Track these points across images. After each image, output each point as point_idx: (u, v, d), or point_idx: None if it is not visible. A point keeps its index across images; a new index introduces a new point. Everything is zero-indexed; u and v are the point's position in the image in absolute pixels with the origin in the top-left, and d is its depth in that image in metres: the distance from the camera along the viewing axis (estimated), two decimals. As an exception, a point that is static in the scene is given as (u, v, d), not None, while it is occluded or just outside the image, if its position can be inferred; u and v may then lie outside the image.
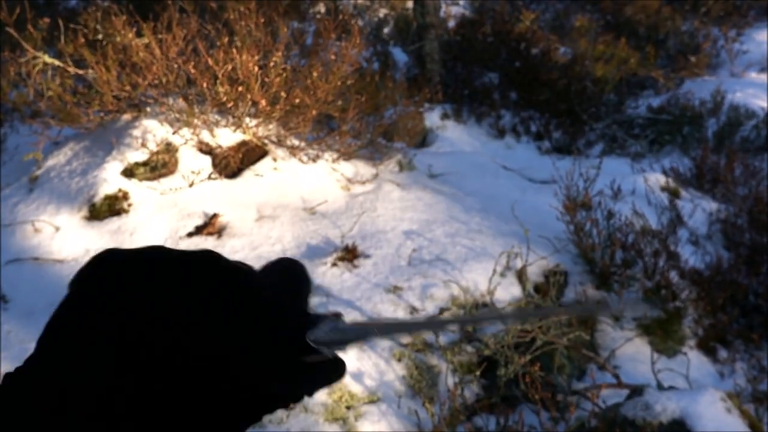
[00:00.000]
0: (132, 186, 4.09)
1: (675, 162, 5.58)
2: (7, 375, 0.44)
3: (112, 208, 3.97)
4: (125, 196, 4.02)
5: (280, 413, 2.91)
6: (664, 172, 5.24)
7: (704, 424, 2.75)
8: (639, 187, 4.88)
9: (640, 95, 7.27)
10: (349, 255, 3.78)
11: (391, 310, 3.42)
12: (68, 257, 3.74)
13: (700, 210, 4.65)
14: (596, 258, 3.91)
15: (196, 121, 4.26)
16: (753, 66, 8.10)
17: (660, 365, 3.46)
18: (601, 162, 4.60)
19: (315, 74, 4.32)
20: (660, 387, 3.17)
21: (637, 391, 3.01)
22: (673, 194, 4.89)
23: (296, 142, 4.56)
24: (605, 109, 6.79)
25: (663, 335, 3.71)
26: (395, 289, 3.56)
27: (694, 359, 3.61)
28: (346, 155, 4.65)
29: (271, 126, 4.48)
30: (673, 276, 3.89)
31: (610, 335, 3.74)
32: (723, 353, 3.71)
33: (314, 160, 4.53)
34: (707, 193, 5.06)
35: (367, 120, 4.86)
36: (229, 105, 4.24)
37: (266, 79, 4.22)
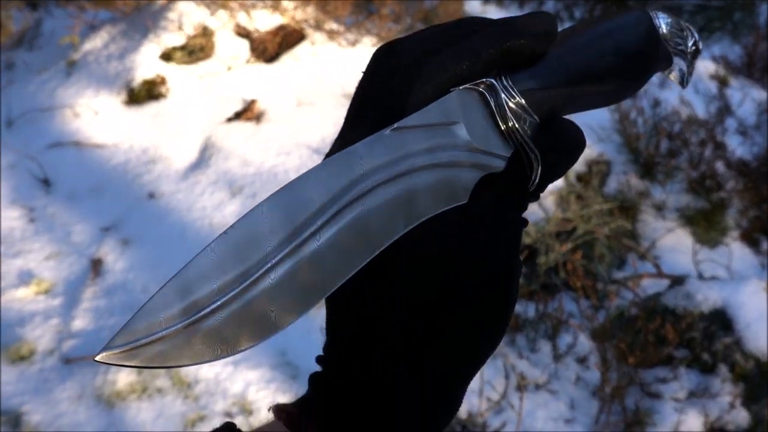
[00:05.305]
0: (170, 70, 4.05)
1: (725, 49, 5.38)
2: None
3: (150, 92, 3.95)
4: (163, 81, 3.99)
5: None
6: (714, 60, 5.05)
7: (746, 314, 2.75)
8: (687, 75, 4.72)
9: (690, -21, 6.96)
10: (390, 141, 3.74)
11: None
12: (108, 142, 3.75)
13: (749, 99, 4.50)
14: (641, 147, 3.83)
15: (232, 3, 4.17)
16: (812, -53, 7.67)
17: (701, 256, 3.44)
18: (649, 48, 4.44)
19: (354, -46, 4.17)
20: (700, 277, 3.16)
21: (678, 281, 3.00)
22: (722, 83, 4.73)
23: (335, 26, 4.45)
24: (653, -6, 6.52)
25: (706, 226, 3.67)
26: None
27: (737, 250, 3.58)
28: (386, 40, 4.54)
29: (309, 9, 4.37)
30: (719, 166, 3.81)
31: (651, 225, 3.70)
32: (766, 245, 3.66)
33: (353, 45, 4.43)
34: (757, 82, 4.89)
35: (407, 4, 4.71)
36: (266, -13, 4.14)
37: (304, -40, 4.09)
